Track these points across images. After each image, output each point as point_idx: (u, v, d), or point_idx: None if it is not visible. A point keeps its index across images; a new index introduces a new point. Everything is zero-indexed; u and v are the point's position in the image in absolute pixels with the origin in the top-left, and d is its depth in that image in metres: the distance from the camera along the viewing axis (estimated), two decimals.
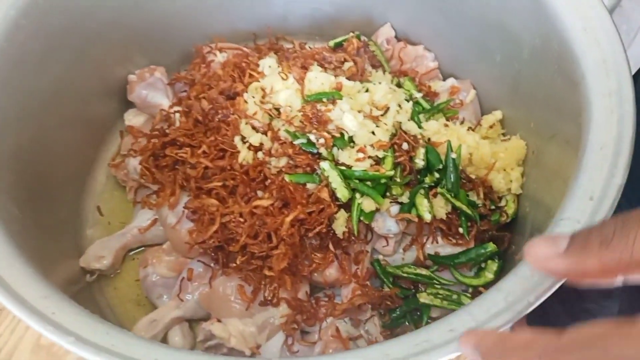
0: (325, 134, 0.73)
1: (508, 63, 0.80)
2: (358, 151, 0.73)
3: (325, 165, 0.72)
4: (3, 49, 0.68)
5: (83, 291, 0.79)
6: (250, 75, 0.82)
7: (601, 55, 0.60)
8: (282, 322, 0.73)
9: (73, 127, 0.84)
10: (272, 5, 0.96)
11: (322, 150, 0.73)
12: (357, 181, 0.72)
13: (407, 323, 0.77)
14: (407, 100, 0.82)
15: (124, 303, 0.81)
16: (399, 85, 0.89)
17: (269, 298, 0.73)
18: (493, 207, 0.79)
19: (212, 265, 0.76)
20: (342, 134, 0.74)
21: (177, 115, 0.83)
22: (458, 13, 0.84)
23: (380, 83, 0.83)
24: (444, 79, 0.93)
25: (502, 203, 0.80)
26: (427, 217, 0.73)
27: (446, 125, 0.81)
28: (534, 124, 0.76)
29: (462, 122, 0.86)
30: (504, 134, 0.85)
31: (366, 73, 0.88)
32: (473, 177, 0.79)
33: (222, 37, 0.93)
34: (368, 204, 0.72)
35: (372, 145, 0.74)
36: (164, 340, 0.75)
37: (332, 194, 0.72)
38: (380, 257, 0.78)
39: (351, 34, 0.95)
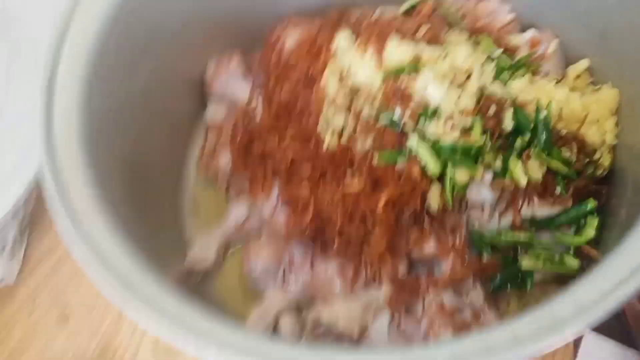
0: (410, 108, 0.72)
1: (595, 7, 0.75)
2: (445, 121, 0.72)
3: (413, 140, 0.71)
4: (100, 55, 0.71)
5: (190, 292, 0.83)
6: (326, 55, 0.81)
7: None
8: (386, 300, 0.74)
9: (162, 127, 0.87)
10: None
11: (409, 126, 0.72)
12: (447, 152, 0.71)
13: (510, 289, 0.76)
14: (489, 60, 0.79)
15: (232, 298, 0.84)
16: (477, 44, 0.86)
17: (372, 279, 0.74)
18: (587, 160, 0.76)
19: (311, 250, 0.78)
20: (427, 106, 0.73)
21: (259, 108, 0.84)
22: None
23: (458, 45, 0.80)
24: (524, 31, 0.89)
25: (597, 155, 0.77)
26: (523, 181, 0.71)
27: (532, 82, 0.78)
28: (628, 73, 0.72)
29: (547, 75, 0.82)
30: (593, 84, 0.81)
31: (442, 35, 0.85)
32: (564, 132, 0.76)
33: (292, 16, 0.92)
34: (461, 175, 0.71)
35: (459, 113, 0.72)
36: (275, 329, 0.78)
37: (423, 169, 0.71)
38: (476, 224, 0.77)
39: None
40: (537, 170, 0.72)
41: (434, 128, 0.72)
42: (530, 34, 0.86)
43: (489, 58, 0.81)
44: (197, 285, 0.84)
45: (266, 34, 0.91)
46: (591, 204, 0.72)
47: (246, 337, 0.53)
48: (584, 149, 0.76)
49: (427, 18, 0.86)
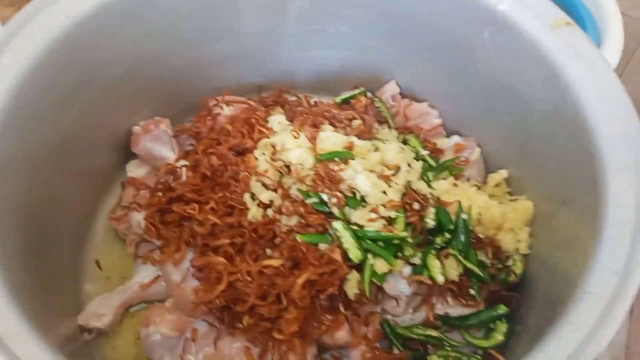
0: (338, 193, 0.73)
1: (517, 125, 0.81)
2: (371, 211, 0.73)
3: (338, 225, 0.71)
4: (17, 103, 0.67)
5: (80, 349, 0.77)
6: (260, 132, 0.82)
7: (617, 128, 0.61)
8: None
9: (76, 177, 0.83)
10: (281, 60, 0.96)
11: (335, 210, 0.73)
12: (369, 242, 0.72)
13: None
14: (416, 159, 0.82)
15: None
16: (404, 142, 0.89)
17: None
18: (500, 266, 0.79)
19: (217, 325, 0.74)
20: (354, 194, 0.74)
21: (184, 169, 0.81)
22: (466, 73, 0.85)
23: (388, 141, 0.83)
24: (448, 136, 0.94)
25: (510, 262, 0.80)
26: (440, 279, 0.72)
27: (455, 185, 0.82)
28: (543, 188, 0.77)
29: (468, 180, 0.87)
30: (510, 193, 0.85)
31: (373, 130, 0.88)
32: (482, 236, 0.79)
33: (228, 90, 0.93)
34: (381, 265, 0.71)
35: (384, 205, 0.73)
36: None
37: (344, 254, 0.71)
38: (389, 317, 0.77)
39: (357, 90, 0.95)
40: (453, 270, 0.74)
41: (359, 215, 0.72)
42: (455, 139, 0.91)
43: (416, 157, 0.84)
44: (88, 345, 0.78)
45: (200, 103, 0.91)
46: (501, 309, 0.74)
47: None
48: (499, 255, 0.79)
49: (359, 113, 0.89)
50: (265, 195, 0.75)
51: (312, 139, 0.78)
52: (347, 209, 0.73)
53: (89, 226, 0.88)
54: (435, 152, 0.90)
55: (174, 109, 0.94)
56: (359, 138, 0.82)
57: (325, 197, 0.73)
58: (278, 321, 0.70)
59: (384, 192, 0.74)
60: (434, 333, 0.75)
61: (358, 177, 0.73)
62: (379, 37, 0.91)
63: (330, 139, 0.77)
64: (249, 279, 0.71)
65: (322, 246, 0.71)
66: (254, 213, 0.74)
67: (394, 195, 0.75)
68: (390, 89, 0.96)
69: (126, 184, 0.90)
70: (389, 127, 0.93)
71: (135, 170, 0.90)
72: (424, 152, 0.87)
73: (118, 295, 0.79)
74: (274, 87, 1.00)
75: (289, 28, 0.92)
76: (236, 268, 0.72)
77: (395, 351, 0.74)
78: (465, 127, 0.93)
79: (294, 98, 1.01)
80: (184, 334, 0.75)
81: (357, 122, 0.85)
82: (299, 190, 0.74)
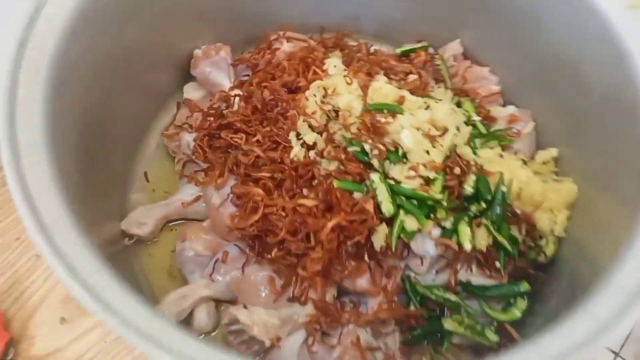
0: (381, 145, 0.73)
1: (573, 104, 0.79)
2: (410, 168, 0.73)
3: (375, 177, 0.72)
4: (86, 15, 0.69)
5: (120, 253, 0.82)
6: (315, 72, 0.82)
7: None
8: (306, 320, 0.74)
9: (136, 92, 0.86)
10: (345, 2, 0.95)
11: (375, 161, 0.73)
12: (403, 198, 0.73)
13: (426, 343, 0.78)
14: (466, 124, 0.82)
15: (157, 271, 0.83)
16: (458, 104, 0.88)
17: (298, 296, 0.74)
18: (532, 244, 0.79)
19: (247, 251, 0.77)
20: (396, 148, 0.74)
21: (237, 99, 0.83)
22: (532, 44, 0.83)
23: (441, 101, 0.83)
24: (505, 105, 0.92)
25: (542, 242, 0.79)
26: (468, 246, 0.72)
27: (500, 156, 0.81)
28: (590, 171, 0.75)
29: (515, 153, 0.85)
30: (556, 173, 0.84)
31: (428, 87, 0.87)
32: (518, 212, 0.79)
33: (290, 26, 0.94)
34: (411, 223, 0.72)
35: (424, 165, 0.74)
36: (190, 316, 0.77)
37: (377, 206, 0.72)
38: (412, 274, 0.78)
39: (419, 44, 0.94)
40: (483, 240, 0.74)
41: (398, 171, 0.73)
42: (510, 109, 0.89)
43: (467, 121, 0.83)
44: (127, 250, 0.83)
45: (261, 36, 0.92)
46: (524, 286, 0.74)
47: (151, 317, 0.52)
48: (532, 233, 0.78)
49: (416, 68, 0.88)
50: (309, 137, 0.76)
51: (365, 87, 0.78)
52: (387, 163, 0.74)
53: (142, 140, 0.92)
54: (488, 119, 0.89)
55: (236, 38, 0.95)
56: (412, 93, 0.82)
57: (367, 147, 0.74)
58: (304, 258, 0.73)
59: (427, 152, 0.74)
60: (452, 297, 0.76)
61: (403, 132, 0.73)
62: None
63: (382, 90, 0.77)
64: (282, 213, 0.74)
65: (357, 195, 0.73)
66: (297, 152, 0.76)
67: (437, 156, 0.74)
68: (452, 48, 0.94)
69: (181, 104, 0.93)
70: (445, 86, 0.92)
71: (191, 92, 0.93)
72: (476, 118, 0.86)
73: (160, 208, 0.84)
74: (335, 30, 1.00)
75: None
76: (272, 201, 0.75)
77: (412, 307, 0.76)
78: (521, 98, 0.91)
79: (354, 43, 1.01)
80: (215, 254, 0.79)
81: (413, 77, 0.85)
82: (343, 136, 0.75)
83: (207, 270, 0.78)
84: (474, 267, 0.76)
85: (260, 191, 0.76)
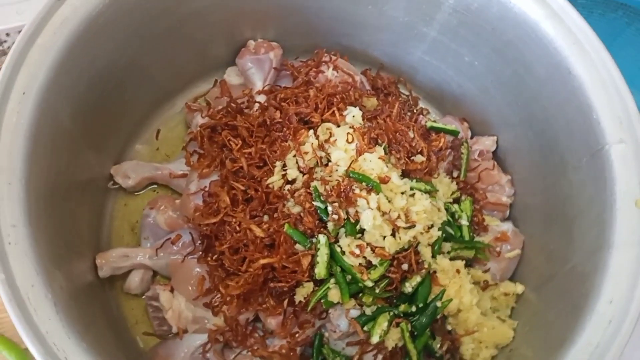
0: (341, 213, 0.74)
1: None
2: (357, 246, 0.74)
3: (322, 239, 0.74)
4: None
5: (101, 188, 0.89)
6: (332, 113, 0.83)
7: None
8: (213, 328, 0.79)
9: (182, 55, 0.92)
10: (411, 53, 0.95)
11: (330, 225, 0.75)
12: (339, 269, 0.74)
13: None
14: (449, 223, 0.81)
15: (123, 220, 0.90)
16: (458, 200, 0.87)
17: (214, 305, 0.79)
18: None
19: (197, 244, 0.82)
20: (356, 221, 0.75)
21: (257, 105, 0.87)
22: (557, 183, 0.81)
23: (435, 192, 0.82)
24: (505, 220, 0.90)
25: None
26: (375, 339, 0.74)
27: (458, 272, 0.79)
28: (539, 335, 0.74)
29: (486, 272, 0.84)
30: (512, 309, 0.82)
31: (434, 173, 0.86)
32: (449, 328, 0.79)
33: (347, 54, 0.95)
34: (334, 294, 0.74)
35: (373, 249, 0.74)
36: (126, 275, 0.84)
37: (313, 265, 0.74)
38: (326, 334, 0.80)
39: (452, 124, 0.92)
40: (392, 340, 0.75)
41: (346, 242, 0.74)
42: (506, 227, 0.87)
43: (451, 221, 0.82)
44: (109, 191, 0.90)
45: (316, 51, 0.94)
46: None
47: None
48: (453, 353, 0.78)
49: (433, 151, 0.86)
50: (292, 172, 0.78)
51: (359, 152, 0.78)
52: (341, 230, 0.75)
53: (171, 97, 0.97)
54: (479, 226, 0.87)
55: (296, 43, 0.97)
56: (410, 174, 0.82)
57: (330, 208, 0.75)
58: (232, 276, 0.77)
59: (384, 237, 0.75)
60: None
61: (366, 211, 0.74)
62: (501, 89, 0.87)
63: (371, 162, 0.77)
64: (237, 228, 0.78)
65: (299, 247, 0.75)
66: (275, 180, 0.79)
67: (390, 246, 0.74)
68: (485, 144, 0.92)
69: (218, 83, 0.97)
70: (457, 176, 0.90)
71: (232, 76, 0.96)
72: (464, 223, 0.84)
73: (149, 169, 0.89)
74: (394, 72, 1.00)
75: (430, 32, 0.89)
76: (234, 214, 0.79)
77: None
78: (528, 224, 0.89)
79: (406, 93, 1.00)
80: (171, 232, 0.85)
81: (420, 158, 0.83)
82: (314, 187, 0.76)
83: (157, 243, 0.84)
84: (380, 357, 0.78)
85: (227, 200, 0.80)
